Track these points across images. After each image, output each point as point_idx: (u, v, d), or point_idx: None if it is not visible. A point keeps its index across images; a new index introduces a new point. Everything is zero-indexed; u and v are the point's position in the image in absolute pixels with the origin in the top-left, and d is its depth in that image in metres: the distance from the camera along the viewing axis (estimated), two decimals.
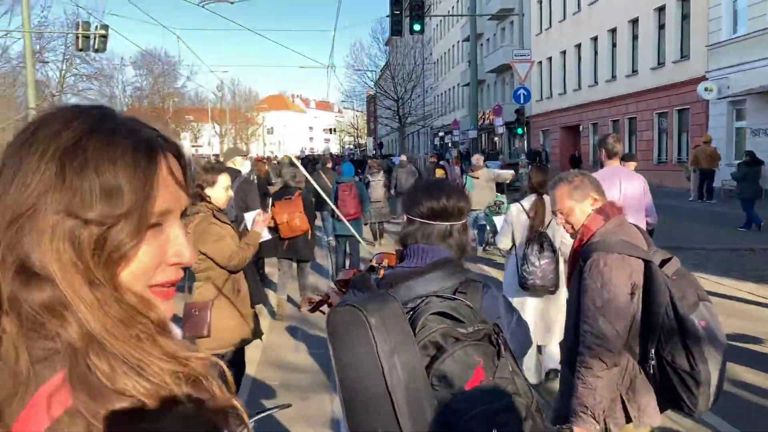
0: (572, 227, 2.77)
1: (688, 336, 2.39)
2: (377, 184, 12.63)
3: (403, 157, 21.82)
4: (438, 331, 1.51)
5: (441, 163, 18.99)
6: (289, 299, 7.92)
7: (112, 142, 0.69)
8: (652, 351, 2.48)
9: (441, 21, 53.18)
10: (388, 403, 1.41)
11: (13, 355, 0.64)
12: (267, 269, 8.91)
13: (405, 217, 1.89)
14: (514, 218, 4.96)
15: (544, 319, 4.84)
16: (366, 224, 12.56)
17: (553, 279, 4.65)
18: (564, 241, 4.61)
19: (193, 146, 56.93)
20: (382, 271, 1.84)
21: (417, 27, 17.86)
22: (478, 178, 11.17)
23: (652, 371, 2.51)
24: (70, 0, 66.82)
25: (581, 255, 2.66)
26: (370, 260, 1.96)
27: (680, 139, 23.12)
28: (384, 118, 52.76)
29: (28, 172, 0.67)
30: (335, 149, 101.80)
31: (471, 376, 1.47)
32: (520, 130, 18.89)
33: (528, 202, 4.94)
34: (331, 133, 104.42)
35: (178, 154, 0.76)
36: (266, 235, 4.35)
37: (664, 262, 2.54)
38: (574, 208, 2.72)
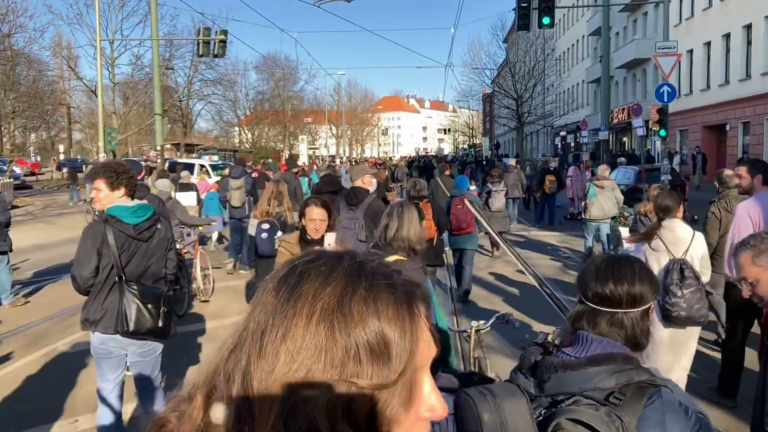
0: (761, 299, 2.50)
1: None
2: (498, 194, 12.26)
3: (512, 162, 20.46)
4: None
5: (571, 168, 17.45)
6: None
7: (375, 296, 0.67)
8: None
9: (564, 15, 50.39)
10: None
11: None
12: None
13: (578, 295, 1.71)
14: (647, 248, 4.54)
15: (675, 350, 4.42)
16: (487, 234, 11.94)
17: (700, 309, 4.27)
18: (706, 271, 4.46)
19: (310, 148, 58.00)
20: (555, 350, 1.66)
21: (546, 20, 16.33)
22: (603, 188, 10.88)
23: None
24: (195, 9, 70.42)
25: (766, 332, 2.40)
26: (547, 335, 1.73)
27: None
28: (501, 117, 50.81)
29: (297, 335, 0.65)
30: (448, 149, 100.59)
31: None
32: (663, 132, 16.73)
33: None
34: (445, 133, 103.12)
35: (426, 297, 0.72)
36: None
37: None
38: (761, 276, 2.46)
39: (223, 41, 18.94)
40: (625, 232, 9.37)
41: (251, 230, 6.75)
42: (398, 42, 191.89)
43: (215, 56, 19.88)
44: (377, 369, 0.65)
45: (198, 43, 19.21)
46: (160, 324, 3.88)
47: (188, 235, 8.71)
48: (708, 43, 28.27)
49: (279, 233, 6.03)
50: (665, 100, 16.28)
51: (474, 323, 4.22)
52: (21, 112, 35.06)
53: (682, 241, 4.42)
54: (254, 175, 12.08)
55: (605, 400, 1.43)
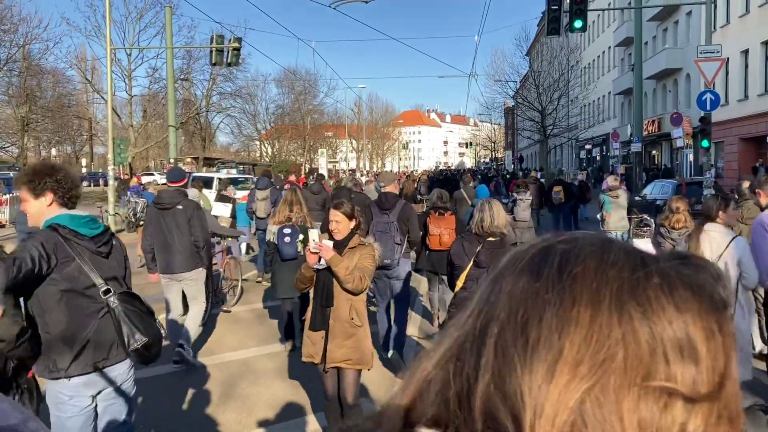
0: None
1: None
2: (524, 203, 12.31)
3: (534, 174, 20.35)
4: None
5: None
6: None
7: (671, 286, 0.52)
8: None
9: (589, 27, 49.17)
10: None
11: None
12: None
13: None
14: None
15: None
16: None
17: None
18: (745, 275, 4.50)
19: (330, 162, 57.42)
20: None
21: (578, 24, 15.28)
22: (618, 197, 10.99)
23: None
24: (213, 19, 70.39)
25: None
26: None
27: None
28: (525, 130, 49.63)
29: (582, 326, 0.50)
30: (470, 163, 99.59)
31: None
32: (705, 143, 15.52)
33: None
34: (466, 147, 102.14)
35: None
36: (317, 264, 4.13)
37: None
38: None
39: (237, 49, 18.17)
40: (641, 244, 8.99)
41: (269, 236, 7.09)
42: (420, 49, 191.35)
43: (229, 65, 19.14)
44: (689, 372, 0.48)
45: (211, 51, 18.49)
46: (163, 333, 3.32)
47: (218, 243, 8.74)
48: (746, 51, 26.92)
49: (301, 236, 6.49)
50: (708, 108, 15.11)
51: None
52: (36, 124, 34.65)
53: (718, 246, 4.50)
54: (287, 186, 12.63)
55: None
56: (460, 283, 4.42)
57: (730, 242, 4.52)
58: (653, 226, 9.76)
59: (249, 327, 7.92)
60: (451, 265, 4.89)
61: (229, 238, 9.40)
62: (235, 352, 6.85)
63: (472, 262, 4.40)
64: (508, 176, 38.58)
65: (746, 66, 27.18)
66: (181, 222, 6.24)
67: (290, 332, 6.80)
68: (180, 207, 6.25)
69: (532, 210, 17.32)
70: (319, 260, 3.99)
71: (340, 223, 4.13)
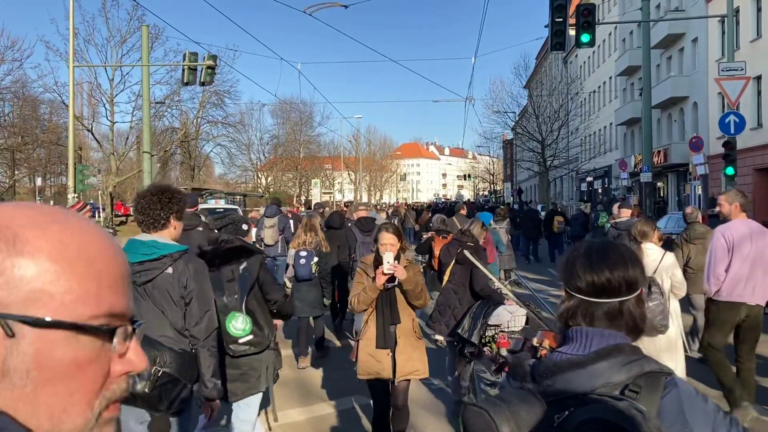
0: None
1: None
2: (500, 231, 12.63)
3: (509, 206, 20.60)
4: None
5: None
6: None
7: None
8: None
9: (589, 57, 48.32)
10: None
11: None
12: None
13: (564, 291, 1.54)
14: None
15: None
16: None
17: (662, 320, 4.75)
18: (676, 284, 5.41)
19: (325, 193, 56.01)
20: (543, 352, 1.51)
21: (586, 38, 13.80)
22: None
23: None
24: (198, 43, 69.52)
25: None
26: (523, 341, 1.66)
27: None
28: (525, 161, 48.24)
29: None
30: (468, 196, 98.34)
31: None
32: (730, 170, 13.90)
33: None
34: (465, 179, 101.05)
35: None
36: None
37: None
38: None
39: (212, 68, 16.70)
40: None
41: (288, 259, 7.58)
42: (416, 71, 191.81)
43: (202, 84, 17.68)
44: None
45: (183, 70, 17.00)
46: (147, 389, 2.94)
47: None
48: (759, 77, 25.49)
49: (315, 259, 7.09)
50: (732, 131, 13.52)
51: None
52: (4, 151, 32.86)
53: (653, 261, 5.31)
54: (289, 215, 13.35)
55: (621, 394, 1.30)
56: (446, 277, 5.58)
57: (661, 258, 5.38)
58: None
59: None
60: (439, 263, 5.85)
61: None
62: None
63: (454, 261, 5.53)
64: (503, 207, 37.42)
65: (759, 93, 25.76)
66: (199, 242, 6.83)
67: (305, 346, 7.40)
68: (200, 229, 6.88)
69: (528, 241, 18.59)
70: (391, 280, 4.18)
71: (394, 245, 4.28)
